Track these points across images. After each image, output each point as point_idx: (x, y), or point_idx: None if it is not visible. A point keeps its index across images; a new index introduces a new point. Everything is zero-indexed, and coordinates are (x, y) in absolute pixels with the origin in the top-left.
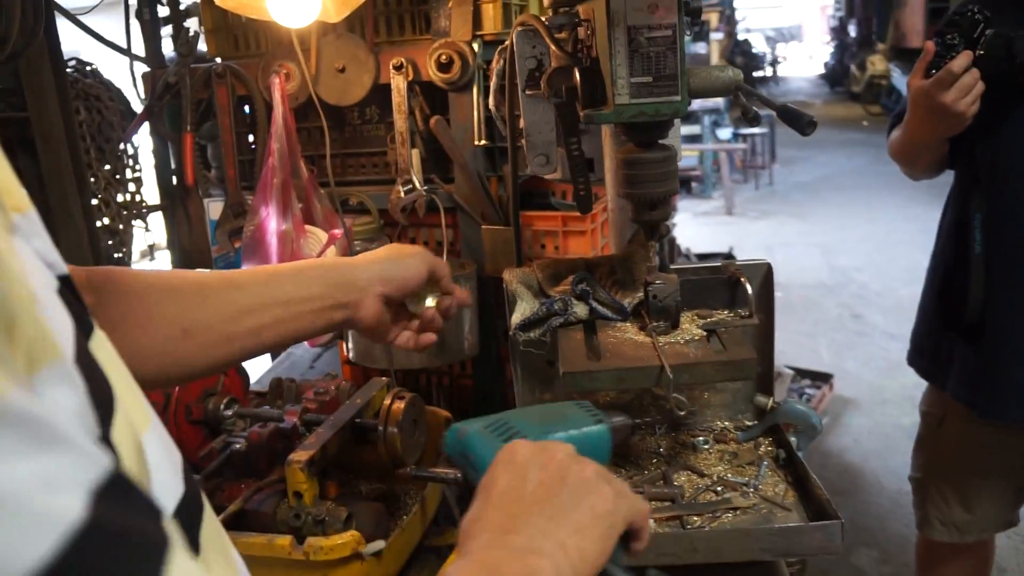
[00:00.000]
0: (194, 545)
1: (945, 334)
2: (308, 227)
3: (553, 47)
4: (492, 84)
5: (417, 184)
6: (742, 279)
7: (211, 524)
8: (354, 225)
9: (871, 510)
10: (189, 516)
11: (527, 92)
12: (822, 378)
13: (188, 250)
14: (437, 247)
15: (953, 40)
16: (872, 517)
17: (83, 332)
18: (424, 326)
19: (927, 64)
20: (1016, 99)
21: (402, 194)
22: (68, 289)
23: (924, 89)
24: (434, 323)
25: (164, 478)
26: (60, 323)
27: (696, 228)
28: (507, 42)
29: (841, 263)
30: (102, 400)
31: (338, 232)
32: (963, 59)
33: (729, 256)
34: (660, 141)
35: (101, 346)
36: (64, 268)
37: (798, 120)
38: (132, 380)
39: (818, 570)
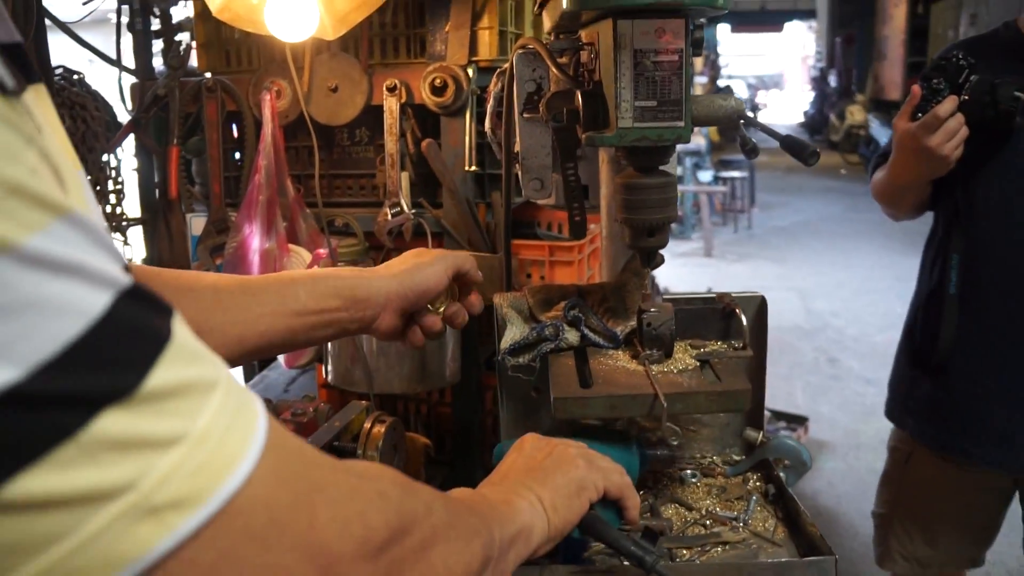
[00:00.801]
0: None
1: (913, 372)
2: (292, 246)
3: (555, 70)
4: (489, 107)
5: (405, 207)
6: (737, 310)
7: None
8: (339, 247)
9: (844, 553)
10: None
11: (525, 115)
12: (797, 420)
13: (167, 265)
14: None
15: (939, 85)
16: (845, 560)
17: None
18: (426, 332)
19: (914, 108)
20: (997, 143)
21: (389, 217)
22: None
23: (910, 132)
24: (434, 330)
25: None
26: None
27: (675, 269)
28: (506, 65)
29: (818, 307)
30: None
31: (323, 252)
32: (949, 104)
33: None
34: (661, 167)
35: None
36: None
37: (802, 150)
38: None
39: None
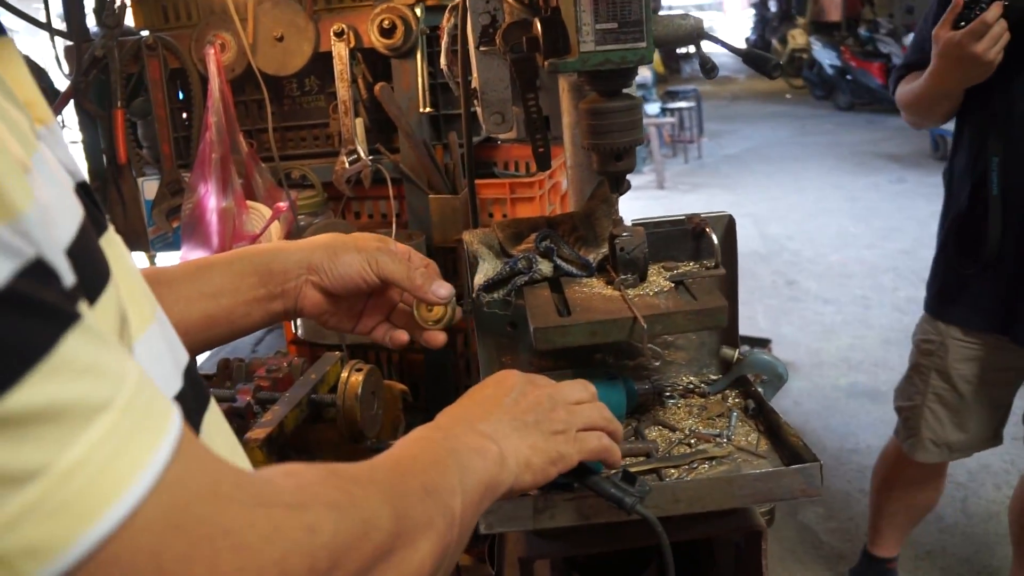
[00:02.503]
0: (195, 428)
1: (960, 272)
2: (250, 203)
3: (510, 0)
4: (443, 44)
5: (362, 154)
6: (707, 230)
7: (216, 418)
8: (298, 199)
9: None
10: (189, 403)
11: (481, 49)
12: (760, 343)
13: (123, 232)
14: (383, 219)
15: None
16: None
17: (96, 229)
18: (428, 344)
19: (955, 16)
20: None
21: (347, 165)
22: (85, 192)
23: (956, 40)
24: (394, 342)
25: (163, 371)
26: (64, 207)
27: (629, 203)
28: (457, 0)
29: (773, 232)
30: (93, 273)
31: (283, 205)
32: (995, 9)
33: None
34: (624, 91)
35: (112, 244)
36: (83, 176)
37: (765, 63)
38: (144, 285)
39: (770, 527)
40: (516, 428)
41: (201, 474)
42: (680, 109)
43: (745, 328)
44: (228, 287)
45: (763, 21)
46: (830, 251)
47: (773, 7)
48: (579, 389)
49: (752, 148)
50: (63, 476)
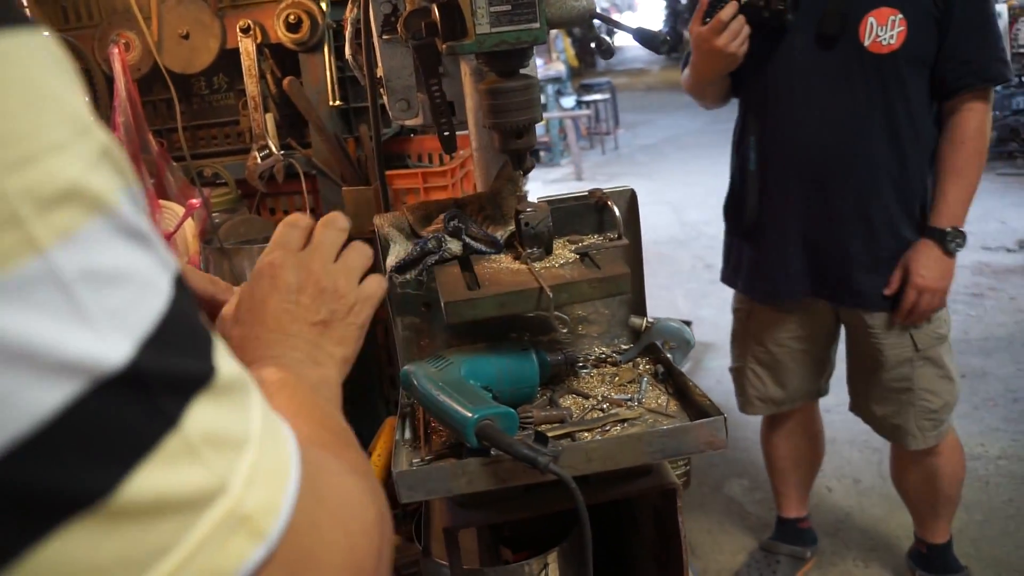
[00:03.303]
0: None
1: (731, 239)
2: (163, 202)
3: None
4: (347, 33)
5: (274, 149)
6: (609, 203)
7: None
8: (211, 196)
9: (738, 444)
10: None
11: (384, 37)
12: None
13: None
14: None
15: None
16: (740, 450)
17: None
18: None
19: (703, 13)
20: (775, 39)
21: (259, 161)
22: None
23: (702, 34)
24: None
25: None
26: None
27: (548, 193)
28: None
29: (691, 218)
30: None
31: (196, 202)
32: (730, 9)
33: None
34: (521, 71)
35: None
36: None
37: (653, 39)
38: None
39: (695, 503)
40: (321, 334)
41: (313, 502)
42: (596, 101)
43: (666, 312)
44: None
45: (675, 14)
46: None
47: (684, 0)
48: (332, 238)
49: (668, 138)
50: (259, 441)
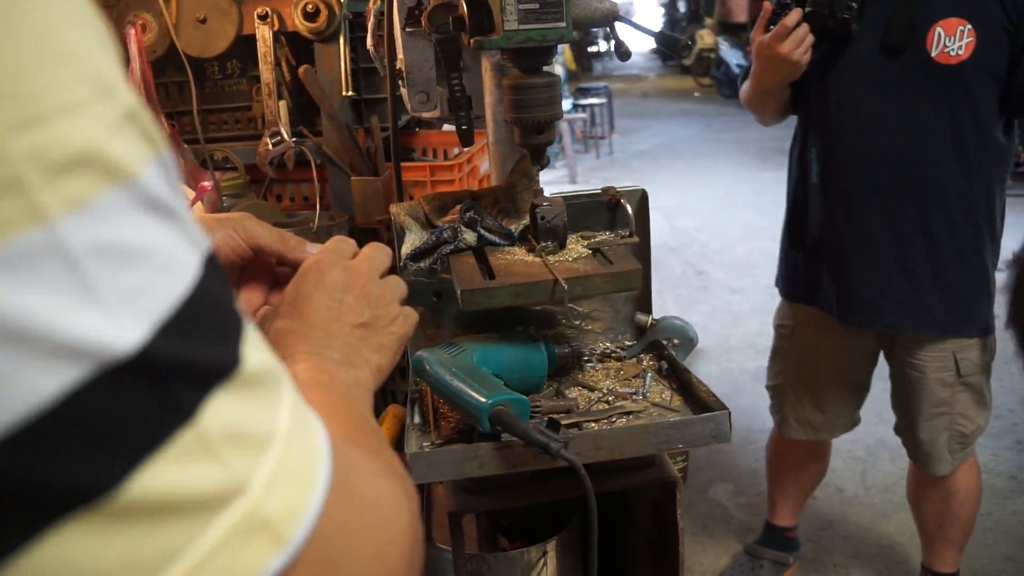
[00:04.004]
0: None
1: (793, 253)
2: None
3: None
4: (370, 25)
5: (285, 136)
6: (622, 201)
7: None
8: (221, 180)
9: (724, 448)
10: None
11: (407, 30)
12: None
13: None
14: (305, 201)
15: (786, 0)
16: (725, 455)
17: None
18: None
19: (766, 21)
20: (840, 48)
21: (270, 146)
22: None
23: (765, 42)
24: None
25: None
26: None
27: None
28: None
29: (683, 224)
30: None
31: (208, 184)
32: (794, 15)
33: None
34: (544, 68)
35: None
36: None
37: (675, 44)
38: None
39: (684, 504)
40: (361, 338)
41: (343, 501)
42: (592, 105)
43: (657, 316)
44: None
45: (672, 21)
46: (737, 242)
47: (682, 7)
48: (382, 256)
49: (662, 144)
50: (286, 443)
